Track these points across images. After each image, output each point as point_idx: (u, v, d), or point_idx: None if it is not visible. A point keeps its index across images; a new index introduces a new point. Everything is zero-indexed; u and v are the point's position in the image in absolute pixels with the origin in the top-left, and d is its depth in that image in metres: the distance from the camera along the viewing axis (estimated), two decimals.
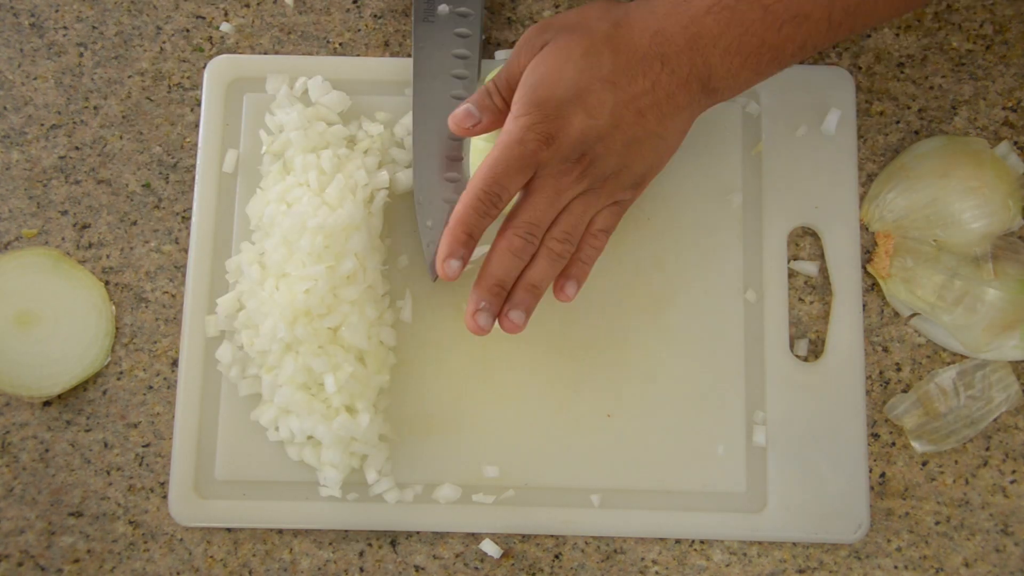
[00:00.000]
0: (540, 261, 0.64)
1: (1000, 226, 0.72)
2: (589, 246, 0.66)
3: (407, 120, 0.74)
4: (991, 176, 0.72)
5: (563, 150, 0.62)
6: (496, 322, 0.64)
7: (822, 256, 0.74)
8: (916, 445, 0.71)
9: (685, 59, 0.62)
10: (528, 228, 0.63)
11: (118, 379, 0.73)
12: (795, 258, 0.74)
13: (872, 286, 0.74)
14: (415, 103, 0.72)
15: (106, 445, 0.72)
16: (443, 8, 0.73)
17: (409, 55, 0.78)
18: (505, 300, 0.64)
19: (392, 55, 0.78)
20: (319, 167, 0.71)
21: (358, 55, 0.78)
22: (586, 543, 0.71)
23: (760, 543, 0.70)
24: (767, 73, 0.64)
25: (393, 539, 0.71)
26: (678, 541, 0.70)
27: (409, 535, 0.71)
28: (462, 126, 0.65)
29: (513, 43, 0.77)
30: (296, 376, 0.67)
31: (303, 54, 0.78)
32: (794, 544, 0.70)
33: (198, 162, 0.75)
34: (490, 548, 0.70)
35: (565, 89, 0.61)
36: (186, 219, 0.75)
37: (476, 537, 0.71)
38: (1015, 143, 0.76)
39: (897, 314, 0.74)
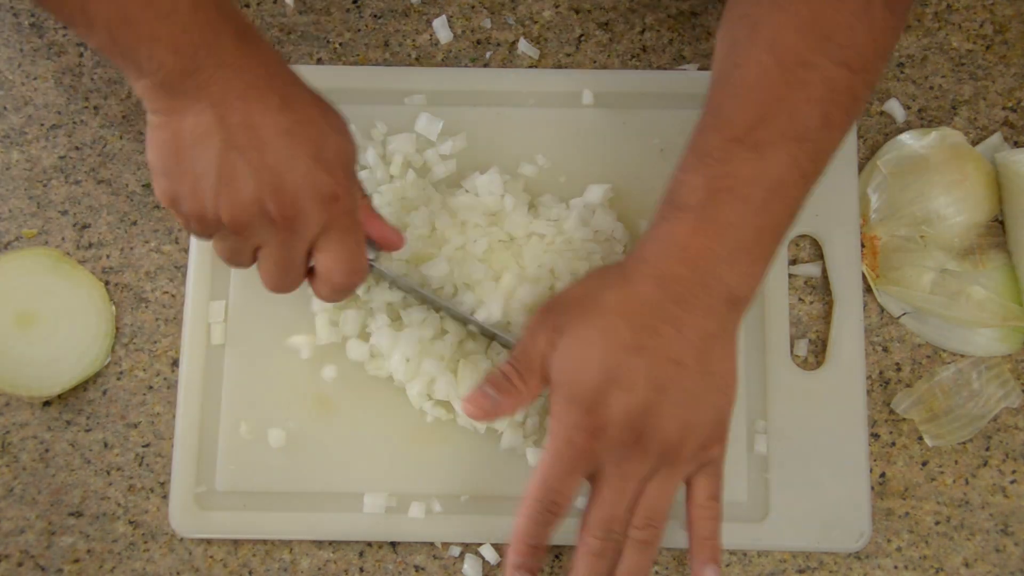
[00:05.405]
0: (629, 554, 0.61)
1: (983, 216, 0.72)
2: (704, 519, 0.62)
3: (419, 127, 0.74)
4: (971, 168, 0.72)
5: (615, 437, 0.58)
6: None
7: (821, 257, 0.74)
8: (927, 439, 0.71)
9: (698, 289, 0.58)
10: (604, 526, 0.60)
11: (118, 379, 0.73)
12: (794, 260, 0.74)
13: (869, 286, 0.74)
14: None
15: (106, 445, 0.72)
16: None
17: (408, 57, 0.78)
18: None
19: (392, 55, 0.78)
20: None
21: (358, 55, 0.78)
22: None
23: None
24: (776, 251, 0.61)
25: (393, 539, 0.71)
26: None
27: None
28: (482, 408, 0.61)
29: (513, 44, 0.78)
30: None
31: (303, 54, 0.78)
32: None
33: None
34: (489, 554, 0.70)
35: (595, 375, 0.58)
36: None
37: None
38: (1015, 143, 0.76)
39: None
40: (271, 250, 0.58)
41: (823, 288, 0.74)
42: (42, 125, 0.77)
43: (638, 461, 0.59)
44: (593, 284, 0.62)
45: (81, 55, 0.78)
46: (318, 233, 0.57)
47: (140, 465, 0.72)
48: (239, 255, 0.59)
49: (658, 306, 0.59)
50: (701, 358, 0.59)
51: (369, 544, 0.71)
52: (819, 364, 0.72)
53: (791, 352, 0.72)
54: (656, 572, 0.70)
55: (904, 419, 0.72)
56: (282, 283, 0.59)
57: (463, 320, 0.69)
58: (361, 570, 0.70)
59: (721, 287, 0.59)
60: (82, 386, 0.73)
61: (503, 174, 0.72)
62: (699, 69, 0.77)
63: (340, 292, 0.60)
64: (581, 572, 0.61)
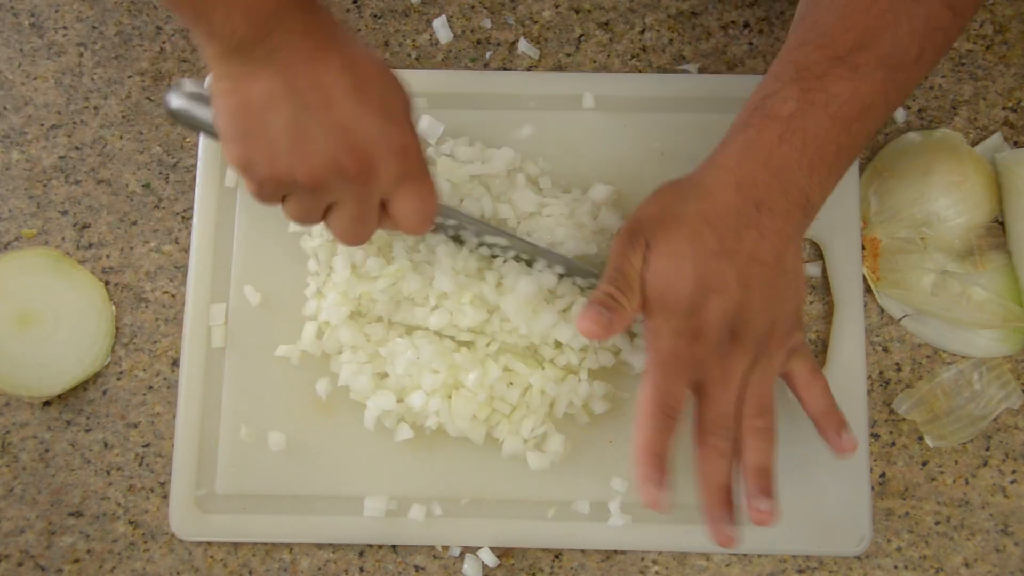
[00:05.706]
0: (751, 443, 0.62)
1: (983, 217, 0.72)
2: (816, 395, 0.64)
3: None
4: (971, 170, 0.72)
5: (713, 337, 0.61)
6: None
7: (822, 258, 0.74)
8: (929, 440, 0.71)
9: (777, 194, 0.61)
10: (720, 423, 0.62)
11: (118, 379, 0.73)
12: None
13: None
14: None
15: (106, 445, 0.72)
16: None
17: (408, 57, 0.78)
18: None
19: (392, 55, 0.78)
20: None
21: None
22: None
23: None
24: (847, 169, 0.64)
25: (394, 542, 0.71)
26: None
27: None
28: (599, 323, 0.61)
29: (513, 44, 0.78)
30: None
31: None
32: None
33: (198, 174, 0.74)
34: (487, 557, 0.70)
35: (689, 284, 0.60)
36: (186, 219, 0.75)
37: None
38: (1015, 143, 0.76)
39: None
40: (347, 205, 0.59)
41: (823, 289, 0.74)
42: (42, 125, 0.77)
43: (738, 356, 0.62)
44: (669, 199, 0.64)
45: (81, 55, 0.78)
46: (392, 184, 0.59)
47: (140, 465, 0.72)
48: (312, 213, 0.60)
49: (740, 211, 0.61)
50: (779, 257, 0.62)
51: (369, 544, 0.71)
52: (820, 365, 0.72)
53: None
54: (656, 572, 0.70)
55: (904, 419, 0.72)
56: (359, 235, 0.61)
57: (533, 253, 0.69)
58: (361, 570, 0.70)
59: (799, 195, 0.62)
60: (82, 386, 0.73)
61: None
62: (699, 70, 0.77)
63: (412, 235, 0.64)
64: (706, 473, 0.62)
